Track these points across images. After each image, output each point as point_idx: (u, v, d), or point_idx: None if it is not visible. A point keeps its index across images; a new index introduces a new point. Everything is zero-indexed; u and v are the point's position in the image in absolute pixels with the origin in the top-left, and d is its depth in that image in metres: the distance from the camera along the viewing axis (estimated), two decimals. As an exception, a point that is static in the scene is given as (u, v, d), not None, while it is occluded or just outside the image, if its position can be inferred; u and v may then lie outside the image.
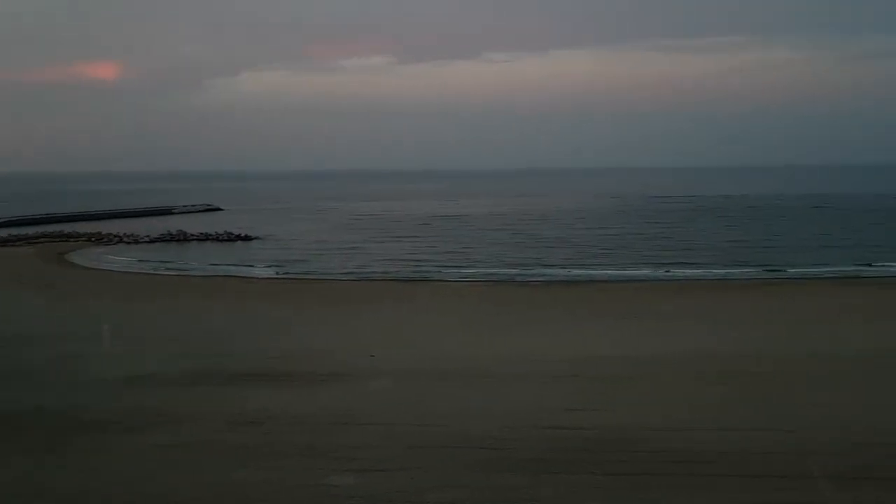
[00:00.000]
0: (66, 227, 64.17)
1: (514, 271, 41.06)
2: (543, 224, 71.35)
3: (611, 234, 60.55)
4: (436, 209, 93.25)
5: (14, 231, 61.81)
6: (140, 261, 46.89)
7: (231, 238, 58.94)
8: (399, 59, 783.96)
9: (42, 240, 57.30)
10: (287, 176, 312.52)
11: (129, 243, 56.51)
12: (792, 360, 15.97)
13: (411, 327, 23.37)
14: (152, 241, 57.35)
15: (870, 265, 40.84)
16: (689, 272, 40.05)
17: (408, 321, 25.04)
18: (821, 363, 15.52)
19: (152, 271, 42.98)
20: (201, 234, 60.41)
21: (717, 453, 9.25)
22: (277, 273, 41.62)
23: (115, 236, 59.00)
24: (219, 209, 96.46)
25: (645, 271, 40.32)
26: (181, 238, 59.00)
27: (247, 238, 59.16)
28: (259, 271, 42.38)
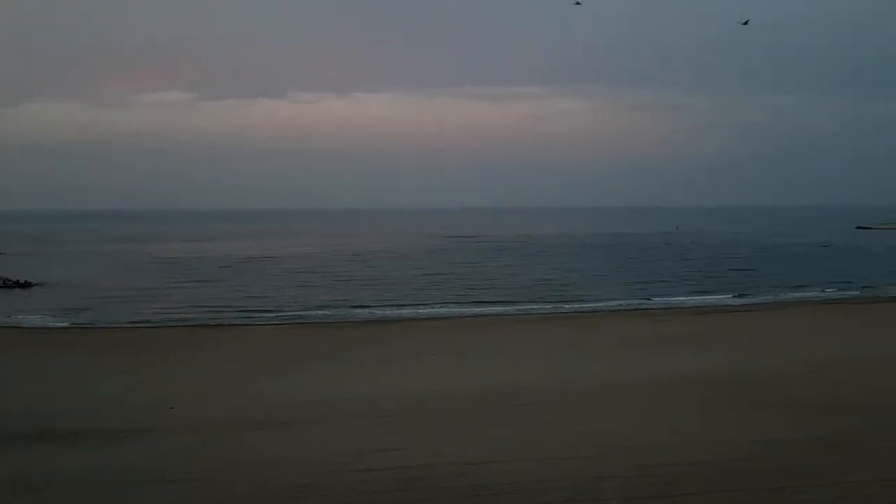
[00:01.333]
0: None
1: (323, 312, 40.54)
2: (356, 264, 71.27)
3: (423, 272, 61.77)
4: (239, 251, 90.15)
5: None
6: None
7: (7, 285, 53.05)
8: (201, 95, 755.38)
9: None
10: (77, 216, 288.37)
11: None
12: (588, 389, 16.99)
13: (215, 375, 22.16)
14: None
15: (649, 299, 44.89)
16: (496, 309, 41.79)
17: (211, 369, 23.73)
18: (615, 391, 16.63)
19: None
20: (-31, 280, 53.78)
21: (511, 485, 9.42)
22: (61, 322, 37.94)
23: None
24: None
25: (456, 308, 41.61)
26: (-58, 286, 52.17)
27: (26, 284, 53.53)
28: (39, 320, 38.39)
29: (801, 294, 46.10)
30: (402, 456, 11.21)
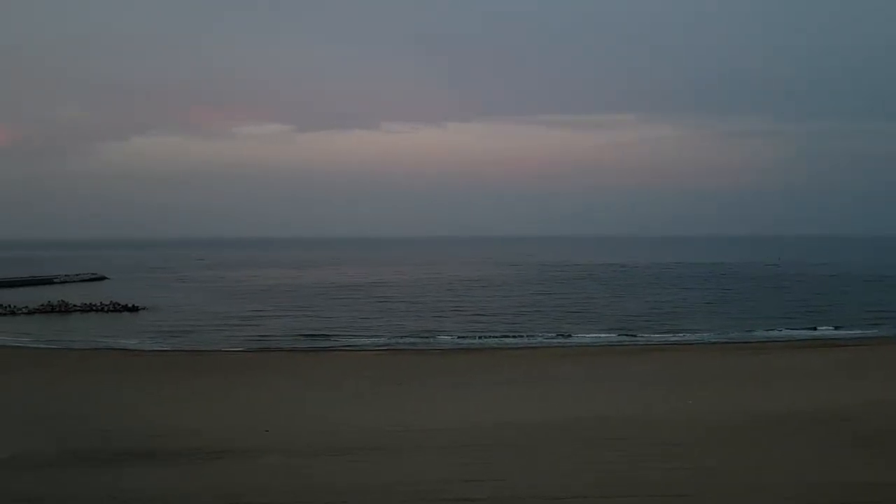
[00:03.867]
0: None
1: (412, 339, 40.96)
2: (444, 292, 71.75)
3: (514, 302, 61.59)
4: (334, 278, 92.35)
5: None
6: (17, 333, 43.82)
7: (117, 308, 56.13)
8: (298, 127, 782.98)
9: None
10: (179, 243, 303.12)
11: (3, 315, 52.80)
12: (682, 423, 16.42)
13: (307, 400, 22.67)
14: (31, 313, 53.78)
15: (749, 332, 43.11)
16: (588, 338, 41.24)
17: (304, 393, 24.30)
18: (713, 426, 16.02)
19: (30, 344, 40.22)
20: (84, 304, 57.21)
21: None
22: (165, 345, 39.80)
23: (-12, 307, 54.99)
24: (104, 278, 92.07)
25: (545, 338, 41.33)
26: (62, 309, 55.68)
27: (133, 308, 56.51)
28: (145, 343, 40.39)
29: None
30: (492, 487, 11.12)
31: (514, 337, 41.91)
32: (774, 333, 42.62)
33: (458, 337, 41.98)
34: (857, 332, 41.96)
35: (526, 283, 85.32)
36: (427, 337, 41.99)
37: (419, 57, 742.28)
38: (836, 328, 43.81)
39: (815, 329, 43.58)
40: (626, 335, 42.36)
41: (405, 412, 19.34)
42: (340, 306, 59.13)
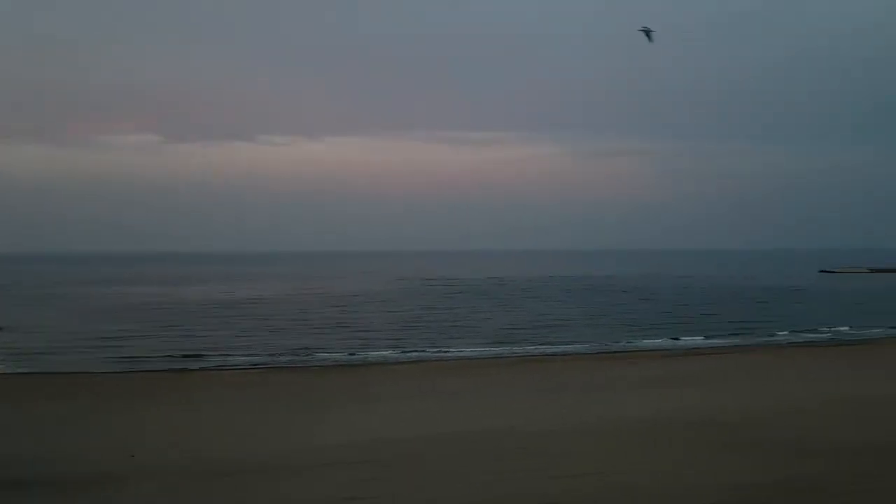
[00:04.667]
0: None
1: (292, 357, 40.04)
2: (326, 308, 70.72)
3: (397, 317, 61.54)
4: (209, 294, 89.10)
5: None
6: None
7: (-32, 329, 51.68)
8: (167, 138, 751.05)
9: None
10: (38, 258, 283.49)
11: None
12: (561, 432, 16.85)
13: (178, 423, 21.66)
14: None
15: (619, 342, 45.03)
16: (470, 352, 41.74)
17: (174, 416, 23.20)
18: (585, 434, 16.53)
19: None
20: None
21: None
22: (22, 367, 36.96)
23: None
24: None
25: (430, 352, 41.48)
26: None
27: (-11, 328, 52.24)
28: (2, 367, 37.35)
29: (766, 339, 46.65)
30: (371, 504, 10.98)
31: (401, 351, 41.84)
32: (646, 343, 44.74)
33: (338, 353, 41.41)
34: (721, 342, 44.66)
35: (409, 297, 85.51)
36: (306, 354, 41.14)
37: (301, 70, 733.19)
38: (706, 337, 46.49)
39: (678, 339, 46.03)
40: (506, 347, 43.23)
41: (288, 431, 18.84)
42: (216, 324, 56.98)
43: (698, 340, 45.48)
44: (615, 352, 41.49)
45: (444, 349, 42.80)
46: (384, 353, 41.44)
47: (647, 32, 25.28)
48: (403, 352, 41.83)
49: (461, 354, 41.00)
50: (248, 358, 39.90)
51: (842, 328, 50.68)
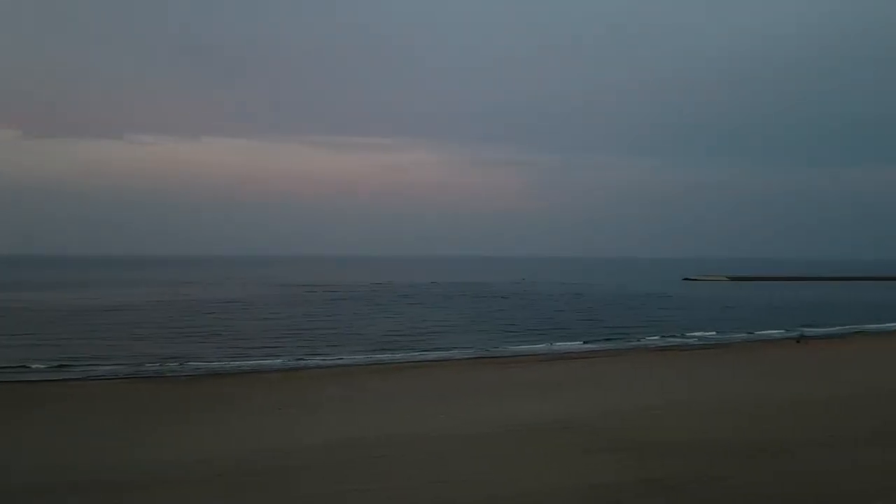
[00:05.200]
0: None
1: (160, 366, 38.27)
2: (200, 315, 68.10)
3: (275, 324, 60.09)
4: (72, 301, 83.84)
5: None
6: None
7: None
8: (24, 133, 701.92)
9: None
10: None
11: None
12: (438, 437, 16.95)
13: (31, 438, 20.21)
14: None
15: (498, 347, 45.92)
16: (349, 359, 41.26)
17: (23, 433, 21.62)
18: (461, 439, 16.71)
19: None
20: None
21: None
22: None
23: None
24: None
25: (308, 360, 40.70)
26: None
27: None
28: None
29: (636, 343, 48.90)
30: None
31: (277, 359, 40.82)
32: (523, 348, 45.82)
33: (211, 362, 39.95)
34: (594, 346, 46.38)
35: (289, 303, 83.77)
36: (178, 363, 39.43)
37: (179, 68, 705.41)
38: (584, 342, 48.13)
39: (552, 344, 47.49)
40: (387, 353, 43.11)
41: (147, 447, 17.95)
42: (80, 332, 53.68)
43: (575, 345, 47.07)
44: (491, 356, 42.25)
45: (325, 356, 42.20)
46: (261, 361, 40.35)
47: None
48: (283, 360, 40.88)
49: (341, 362, 40.54)
50: (113, 367, 37.81)
51: (708, 333, 53.87)
